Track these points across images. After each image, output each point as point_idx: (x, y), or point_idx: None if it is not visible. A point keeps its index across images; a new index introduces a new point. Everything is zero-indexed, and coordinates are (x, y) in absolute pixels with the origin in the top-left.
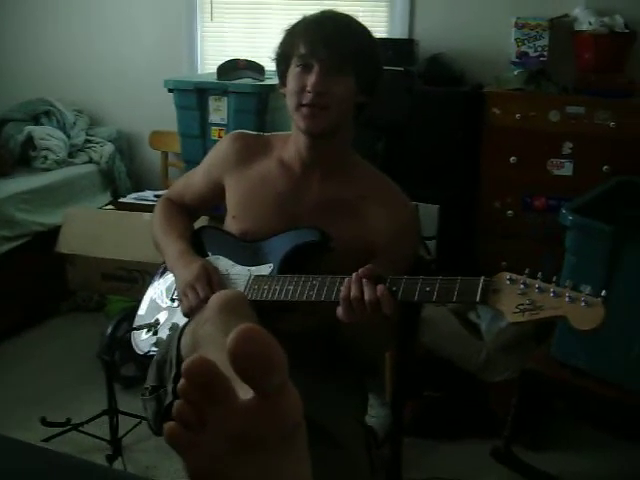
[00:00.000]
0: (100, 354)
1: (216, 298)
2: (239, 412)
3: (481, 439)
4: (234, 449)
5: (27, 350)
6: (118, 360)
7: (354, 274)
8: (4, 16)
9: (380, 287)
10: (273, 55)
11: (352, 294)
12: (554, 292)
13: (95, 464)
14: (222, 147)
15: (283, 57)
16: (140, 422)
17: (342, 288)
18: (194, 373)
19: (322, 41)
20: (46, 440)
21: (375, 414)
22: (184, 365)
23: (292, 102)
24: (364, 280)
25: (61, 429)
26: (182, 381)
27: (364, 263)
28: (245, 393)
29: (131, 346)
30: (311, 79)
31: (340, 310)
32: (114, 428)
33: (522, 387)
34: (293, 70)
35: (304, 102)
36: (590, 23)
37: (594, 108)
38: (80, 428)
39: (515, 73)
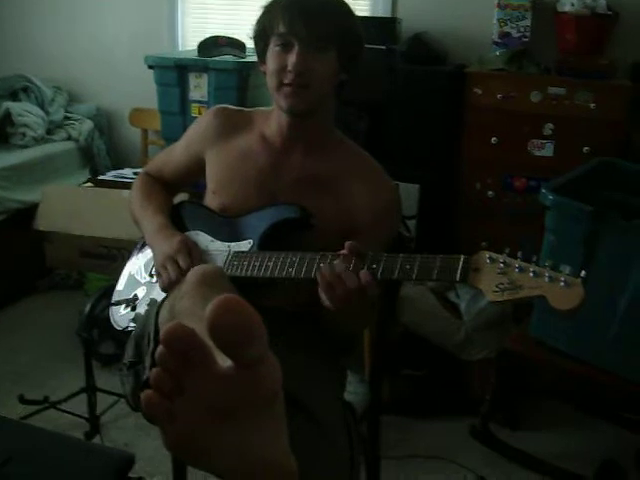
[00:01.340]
0: (78, 331)
1: (194, 272)
2: (218, 380)
3: (459, 417)
4: (212, 417)
5: (5, 328)
6: (97, 338)
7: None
8: None
9: (363, 274)
10: (251, 33)
11: (334, 289)
12: (534, 272)
13: (73, 437)
14: (203, 121)
15: (262, 35)
16: (118, 400)
17: (320, 284)
18: (173, 339)
19: (302, 19)
20: (24, 418)
21: (353, 390)
22: (162, 332)
23: (272, 81)
24: (343, 273)
25: (39, 407)
26: (160, 348)
27: (344, 240)
28: (224, 362)
29: (110, 323)
30: (291, 58)
31: (323, 299)
32: (92, 406)
33: (500, 366)
34: (272, 49)
35: (285, 81)
36: (572, 4)
37: (575, 89)
38: (58, 406)
39: (497, 53)
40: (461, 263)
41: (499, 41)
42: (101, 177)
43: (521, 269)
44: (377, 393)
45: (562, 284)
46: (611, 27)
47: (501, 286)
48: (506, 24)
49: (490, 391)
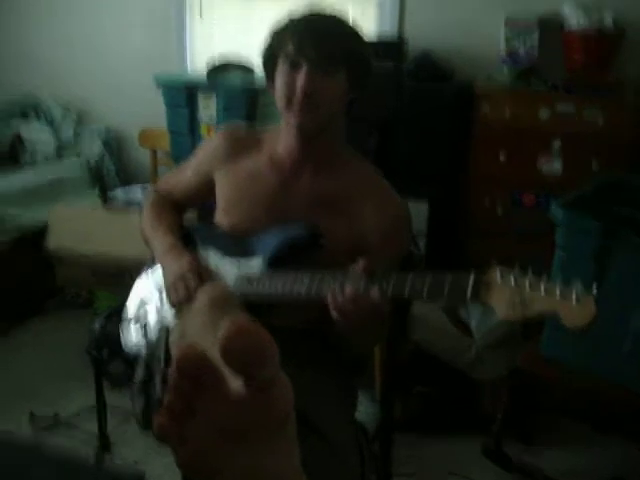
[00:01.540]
0: (88, 349)
1: (204, 292)
2: (230, 403)
3: (471, 435)
4: (224, 440)
5: (15, 346)
6: (106, 357)
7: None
8: None
9: (374, 292)
10: (261, 54)
11: (344, 309)
12: (545, 288)
13: (84, 455)
14: (213, 142)
15: (271, 56)
16: (128, 418)
17: (330, 306)
18: (185, 362)
19: (310, 40)
20: (35, 435)
21: (365, 410)
22: (175, 354)
23: (281, 102)
24: (353, 293)
25: (50, 424)
26: (172, 371)
27: (354, 259)
28: (235, 384)
29: (120, 342)
30: (300, 79)
31: (335, 318)
32: (102, 424)
33: (511, 385)
34: (281, 69)
35: (294, 102)
36: (579, 22)
37: (583, 106)
38: (68, 423)
39: (505, 71)
40: (472, 280)
41: (507, 59)
42: (111, 196)
43: (532, 286)
44: (388, 411)
45: (574, 301)
46: (618, 44)
47: (513, 303)
48: (514, 42)
49: (502, 409)
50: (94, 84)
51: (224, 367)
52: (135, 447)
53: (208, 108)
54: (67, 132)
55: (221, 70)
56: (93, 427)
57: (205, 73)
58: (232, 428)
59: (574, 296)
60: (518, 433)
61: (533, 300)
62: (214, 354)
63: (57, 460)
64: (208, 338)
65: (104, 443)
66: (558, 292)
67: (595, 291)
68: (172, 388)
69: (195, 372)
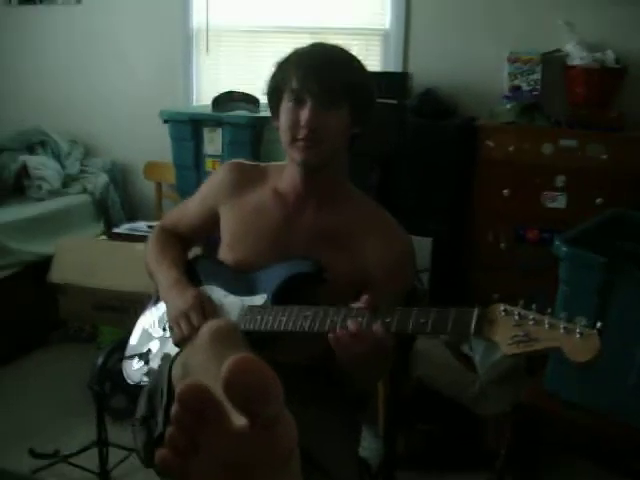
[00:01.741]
0: (90, 384)
1: (208, 327)
2: (233, 439)
3: (474, 472)
4: (227, 476)
5: (17, 379)
6: (108, 391)
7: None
8: (0, 46)
9: (377, 327)
10: (265, 89)
11: (347, 345)
12: (549, 323)
13: None
14: (218, 176)
15: (275, 91)
16: (130, 454)
17: (332, 342)
18: (188, 397)
19: (314, 75)
20: (35, 472)
21: (368, 445)
22: (178, 389)
23: (286, 137)
24: (356, 330)
25: (50, 461)
26: (175, 406)
27: (358, 294)
28: (238, 420)
29: (122, 377)
30: (304, 115)
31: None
32: (103, 460)
33: (515, 420)
34: (286, 104)
35: (298, 137)
36: (582, 58)
37: (587, 141)
38: (69, 460)
39: (508, 106)
40: (475, 315)
41: (510, 95)
42: (115, 230)
43: (536, 321)
44: (391, 447)
45: (578, 336)
46: (620, 80)
47: (516, 338)
48: (516, 78)
49: (505, 445)
50: (100, 118)
51: (228, 403)
52: None
53: (213, 142)
54: (73, 165)
55: (227, 104)
56: (94, 463)
57: (211, 107)
58: (235, 464)
59: (578, 331)
60: (523, 471)
61: (537, 335)
62: (217, 389)
63: None
64: (211, 374)
65: None
66: (562, 327)
67: (600, 326)
68: (175, 422)
69: (198, 406)
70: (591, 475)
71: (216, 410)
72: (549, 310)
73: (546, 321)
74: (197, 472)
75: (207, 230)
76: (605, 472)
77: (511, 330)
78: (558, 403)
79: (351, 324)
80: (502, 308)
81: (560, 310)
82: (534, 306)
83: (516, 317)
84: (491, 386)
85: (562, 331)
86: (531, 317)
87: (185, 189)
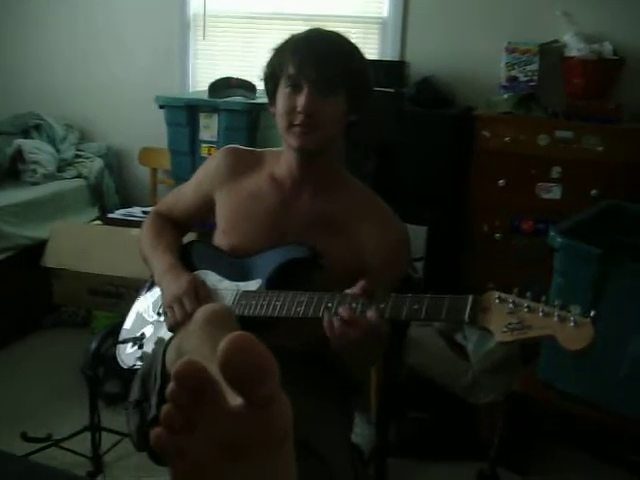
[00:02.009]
0: (84, 369)
1: (202, 311)
2: (229, 418)
3: (467, 461)
4: (222, 456)
5: (10, 364)
6: (102, 376)
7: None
8: None
9: (371, 313)
10: (262, 74)
11: (340, 331)
12: (543, 311)
13: (77, 476)
14: (214, 161)
15: (272, 77)
16: (122, 439)
17: (326, 328)
18: (184, 376)
19: (311, 61)
20: (27, 455)
21: (360, 432)
22: (174, 368)
23: (282, 122)
24: (349, 316)
25: (42, 444)
26: (172, 384)
27: (354, 280)
28: (234, 400)
29: (116, 361)
30: (301, 100)
31: (332, 340)
32: (96, 445)
33: (508, 410)
34: (282, 90)
35: (295, 122)
36: (579, 49)
37: (583, 133)
38: (61, 444)
39: (505, 97)
40: (469, 303)
41: (507, 85)
42: (110, 215)
43: (530, 309)
44: (384, 435)
45: (572, 324)
46: (617, 71)
47: (510, 326)
48: (514, 68)
49: (498, 434)
50: (96, 102)
51: (224, 382)
52: (129, 468)
53: (209, 128)
54: (68, 149)
55: (223, 90)
56: (87, 447)
57: (207, 93)
58: (231, 443)
59: (572, 319)
60: (515, 460)
61: (531, 323)
62: (213, 370)
63: (49, 473)
64: (206, 354)
65: (97, 464)
66: (556, 315)
67: (593, 314)
68: (171, 400)
69: (194, 385)
70: (584, 465)
71: (212, 389)
72: (543, 298)
73: (540, 309)
74: (192, 450)
75: (202, 215)
76: (599, 462)
77: (505, 318)
78: (552, 393)
79: (344, 311)
80: (496, 296)
81: (554, 300)
82: (529, 294)
83: (510, 305)
84: (484, 375)
85: (556, 319)
86: (525, 305)
87: (180, 175)
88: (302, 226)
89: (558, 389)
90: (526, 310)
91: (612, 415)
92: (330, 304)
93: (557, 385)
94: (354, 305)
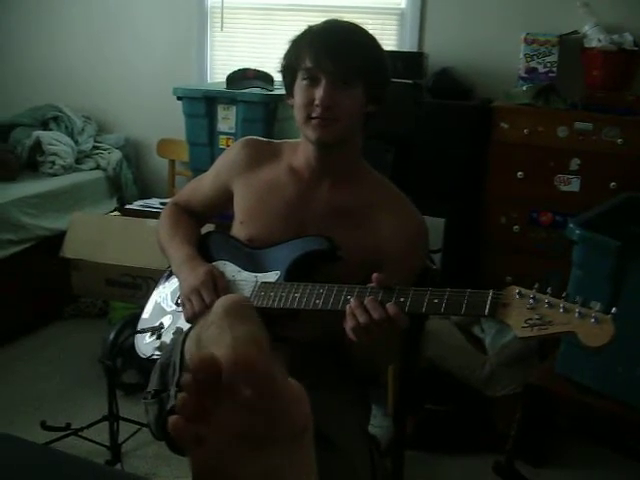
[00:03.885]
0: (102, 359)
1: (221, 302)
2: (245, 410)
3: (483, 454)
4: (241, 445)
5: (29, 353)
6: (120, 366)
7: (356, 293)
8: (16, 22)
9: (391, 307)
10: (279, 67)
11: (361, 321)
12: (564, 308)
13: (96, 463)
14: (232, 152)
15: (289, 69)
16: (140, 429)
17: (347, 317)
18: (202, 367)
19: (328, 53)
20: (46, 444)
21: (378, 424)
22: (192, 359)
23: (300, 115)
24: (368, 304)
25: (61, 433)
26: (188, 376)
27: (372, 272)
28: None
29: (134, 351)
30: (319, 93)
31: (350, 333)
32: (114, 434)
33: (525, 402)
34: (300, 83)
35: (313, 115)
36: (599, 40)
37: (602, 124)
38: (80, 433)
39: (524, 88)
40: (490, 298)
41: (525, 76)
42: (128, 206)
43: (551, 305)
44: (401, 427)
45: (592, 320)
46: (638, 63)
47: (530, 321)
48: (532, 59)
49: (515, 427)
50: (115, 94)
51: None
52: (146, 458)
53: (227, 119)
54: (86, 141)
55: (241, 82)
56: (105, 437)
57: (225, 84)
58: (247, 435)
59: (593, 316)
60: (531, 452)
61: (551, 319)
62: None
63: (70, 467)
64: (223, 346)
65: (115, 453)
66: (577, 312)
67: (614, 311)
68: (189, 389)
69: (212, 378)
70: (601, 458)
71: (229, 380)
72: (564, 294)
73: (561, 305)
74: (209, 440)
75: (220, 206)
76: (616, 455)
77: (525, 313)
78: (569, 385)
79: (366, 301)
80: (517, 291)
81: (573, 294)
82: (549, 289)
83: (530, 300)
84: (501, 368)
85: (577, 315)
86: (546, 301)
87: (198, 166)
88: (320, 218)
89: (576, 382)
90: (547, 306)
91: (630, 408)
92: (349, 296)
93: (575, 378)
94: (374, 298)
